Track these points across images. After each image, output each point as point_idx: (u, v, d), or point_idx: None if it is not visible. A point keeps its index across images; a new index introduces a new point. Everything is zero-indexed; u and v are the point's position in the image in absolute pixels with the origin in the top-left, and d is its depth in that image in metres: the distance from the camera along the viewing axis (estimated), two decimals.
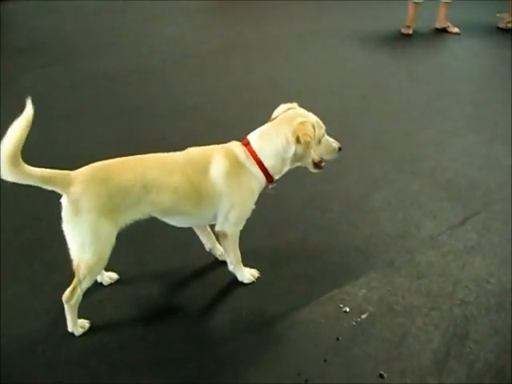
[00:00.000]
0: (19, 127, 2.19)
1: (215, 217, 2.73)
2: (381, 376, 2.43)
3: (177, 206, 2.60)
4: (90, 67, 6.17)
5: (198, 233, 3.06)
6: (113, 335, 2.65)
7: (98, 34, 7.28)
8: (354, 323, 2.72)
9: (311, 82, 5.83)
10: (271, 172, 2.68)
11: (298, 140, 2.56)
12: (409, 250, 3.24)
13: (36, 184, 2.32)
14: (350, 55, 6.62)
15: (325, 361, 2.52)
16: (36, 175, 2.30)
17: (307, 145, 2.57)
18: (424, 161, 4.23)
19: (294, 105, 2.76)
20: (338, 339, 2.63)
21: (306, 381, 2.42)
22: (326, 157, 2.78)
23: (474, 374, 2.46)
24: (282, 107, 2.76)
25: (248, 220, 2.79)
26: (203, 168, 2.59)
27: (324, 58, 6.58)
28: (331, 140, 2.77)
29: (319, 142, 2.69)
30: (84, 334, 2.63)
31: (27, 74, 5.91)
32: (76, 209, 2.35)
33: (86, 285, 2.50)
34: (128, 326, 2.73)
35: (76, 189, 2.35)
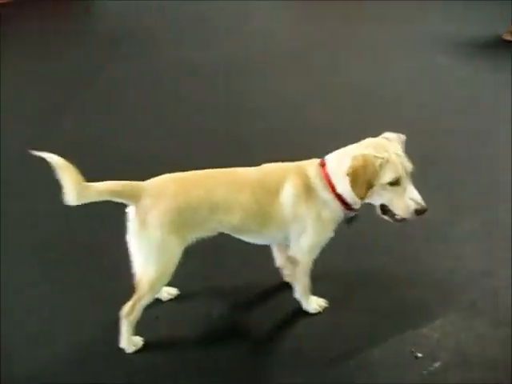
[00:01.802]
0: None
1: (288, 239, 2.55)
2: None
3: (244, 225, 2.45)
4: (172, 59, 6.13)
5: (273, 246, 2.88)
6: (165, 356, 2.54)
7: (184, 24, 7.22)
8: (425, 372, 2.46)
9: (400, 89, 5.51)
10: (346, 199, 2.40)
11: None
12: (494, 291, 2.93)
13: (105, 199, 2.24)
14: (445, 63, 6.25)
15: None
16: (105, 190, 2.24)
17: (353, 182, 2.24)
18: None
19: (393, 136, 2.40)
20: None
21: None
22: (398, 212, 2.34)
23: None
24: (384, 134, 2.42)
25: None
26: (274, 189, 2.41)
27: (416, 63, 6.26)
28: (412, 194, 2.29)
29: (384, 187, 2.28)
30: (136, 352, 2.53)
31: (111, 64, 5.91)
32: (143, 222, 2.26)
33: (146, 301, 2.40)
34: (182, 347, 2.60)
35: (145, 202, 2.26)
